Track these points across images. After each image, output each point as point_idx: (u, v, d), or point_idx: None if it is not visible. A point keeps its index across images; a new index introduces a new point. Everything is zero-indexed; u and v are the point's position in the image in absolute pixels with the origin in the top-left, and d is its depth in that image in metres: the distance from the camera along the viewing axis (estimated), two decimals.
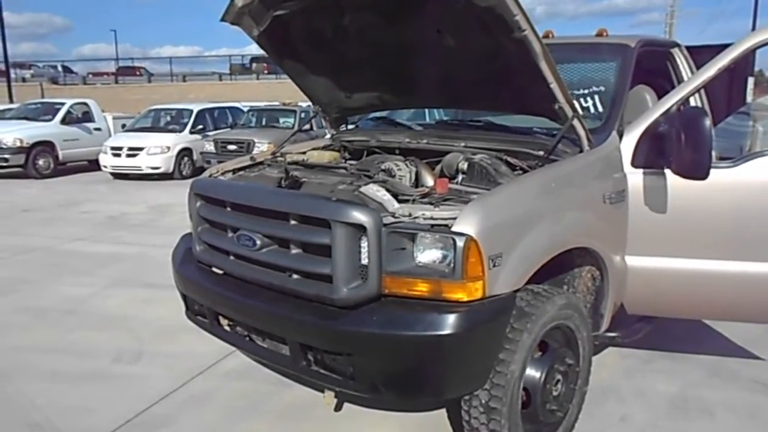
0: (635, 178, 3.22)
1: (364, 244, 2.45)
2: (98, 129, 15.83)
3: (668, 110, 3.19)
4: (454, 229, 2.37)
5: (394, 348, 2.38)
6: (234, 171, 3.57)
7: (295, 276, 2.67)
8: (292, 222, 2.64)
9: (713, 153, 2.95)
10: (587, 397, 3.17)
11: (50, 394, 3.69)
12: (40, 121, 15.10)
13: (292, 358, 2.68)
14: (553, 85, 2.80)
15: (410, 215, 2.48)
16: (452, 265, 2.36)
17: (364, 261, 2.47)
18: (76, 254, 7.24)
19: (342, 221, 2.42)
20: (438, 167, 3.23)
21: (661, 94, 3.69)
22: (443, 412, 3.38)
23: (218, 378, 3.90)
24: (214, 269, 3.10)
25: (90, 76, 34.56)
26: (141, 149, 13.75)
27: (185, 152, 14.15)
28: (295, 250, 2.67)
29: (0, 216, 9.80)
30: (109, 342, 4.52)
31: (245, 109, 16.27)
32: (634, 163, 3.21)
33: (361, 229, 2.43)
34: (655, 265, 3.28)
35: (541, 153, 3.03)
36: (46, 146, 14.59)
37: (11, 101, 23.10)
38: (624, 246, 3.27)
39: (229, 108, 16.63)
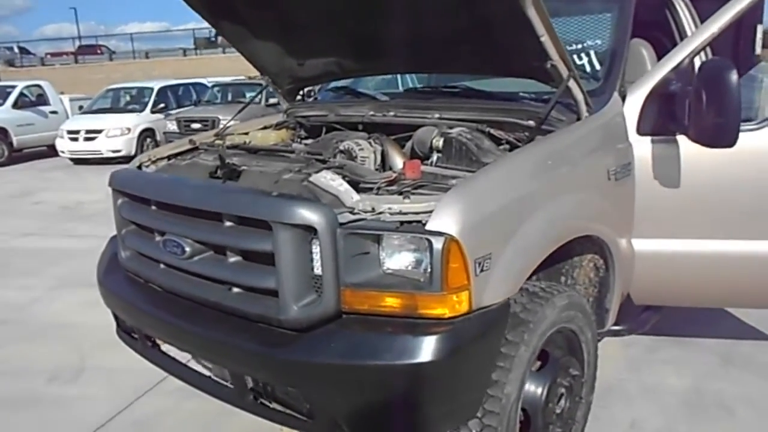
0: (642, 147, 2.71)
1: (315, 249, 1.93)
2: (54, 112, 14.97)
3: (679, 65, 2.67)
4: (429, 226, 1.85)
5: (358, 382, 1.87)
6: (169, 157, 3.00)
7: (235, 290, 2.14)
8: (226, 224, 2.10)
9: None
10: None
11: None
12: None
13: (236, 391, 2.16)
14: (545, 38, 2.26)
15: (373, 210, 1.95)
16: (428, 273, 1.85)
17: (318, 271, 1.94)
18: (22, 251, 6.62)
19: (284, 222, 1.89)
20: (408, 145, 2.69)
21: (658, 49, 3.18)
22: None
23: (167, 397, 3.38)
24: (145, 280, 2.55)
25: (48, 56, 33.05)
26: (99, 132, 12.99)
27: (147, 133, 13.40)
28: (232, 258, 2.14)
29: None
30: (47, 357, 3.96)
31: (210, 85, 15.50)
32: (641, 130, 2.71)
33: (310, 230, 1.90)
34: (667, 249, 2.80)
35: (532, 123, 2.51)
36: None
37: None
38: (631, 228, 2.78)
39: (193, 84, 15.83)
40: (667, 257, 2.82)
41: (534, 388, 2.27)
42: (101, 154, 12.92)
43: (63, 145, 13.22)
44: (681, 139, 2.64)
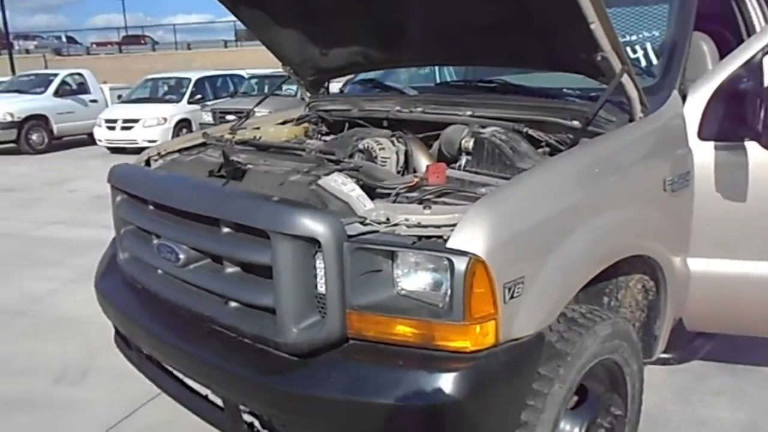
0: (703, 154, 2.37)
1: (319, 264, 1.67)
2: (94, 101, 15.09)
3: (750, 61, 2.32)
4: (451, 243, 1.57)
5: (362, 421, 1.60)
6: (180, 151, 2.79)
7: (232, 304, 1.89)
8: (223, 230, 1.86)
9: None
10: None
11: None
12: (32, 93, 14.38)
13: (229, 419, 1.92)
14: (595, 26, 1.95)
15: (388, 221, 1.68)
16: (449, 298, 1.57)
17: (321, 289, 1.69)
18: (49, 241, 6.55)
19: (284, 232, 1.63)
20: (435, 145, 2.41)
21: (720, 44, 2.83)
22: None
23: (172, 408, 3.17)
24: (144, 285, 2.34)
25: (94, 46, 33.63)
26: (136, 121, 13.02)
27: (183, 123, 13.36)
28: (230, 269, 1.90)
29: None
30: (56, 354, 3.81)
31: (247, 77, 15.41)
32: (703, 135, 2.37)
33: (313, 243, 1.64)
34: (729, 270, 2.46)
35: (576, 123, 2.20)
36: (39, 120, 13.88)
37: (14, 74, 22.42)
38: (687, 246, 2.44)
39: (231, 76, 15.77)
40: (728, 280, 2.47)
41: (569, 429, 1.97)
42: (137, 143, 12.92)
43: (100, 133, 13.30)
44: (750, 145, 2.30)
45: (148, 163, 2.80)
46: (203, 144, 2.78)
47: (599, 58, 2.07)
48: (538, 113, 2.33)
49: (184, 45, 30.81)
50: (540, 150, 2.22)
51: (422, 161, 2.29)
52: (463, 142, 2.14)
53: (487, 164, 2.05)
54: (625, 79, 2.12)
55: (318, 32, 2.88)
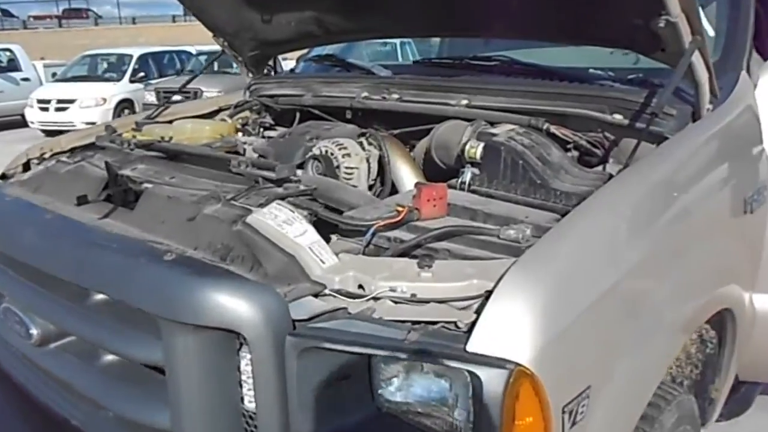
0: None
1: (245, 366, 0.98)
2: (26, 79, 13.82)
3: None
4: (476, 343, 0.89)
5: None
6: (73, 151, 2.04)
7: (110, 413, 1.19)
8: (94, 298, 1.14)
9: None
10: None
11: None
12: None
13: None
14: None
15: (362, 290, 1.00)
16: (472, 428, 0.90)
17: (249, 404, 1.00)
18: None
19: (181, 321, 0.94)
20: (420, 146, 1.74)
21: None
22: None
23: None
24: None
25: (31, 19, 31.49)
26: (72, 102, 11.89)
27: (125, 104, 12.29)
28: (106, 357, 1.18)
29: None
30: None
31: (195, 53, 14.37)
32: None
33: (234, 336, 0.95)
34: None
35: (618, 118, 1.56)
36: None
37: None
38: (754, 279, 1.83)
39: (177, 52, 14.65)
40: None
41: None
42: (74, 126, 11.83)
43: (33, 115, 12.14)
44: None
45: (27, 167, 2.06)
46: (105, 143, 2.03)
47: (662, 24, 1.41)
48: (560, 102, 1.67)
49: (130, 20, 29.08)
50: (569, 155, 1.57)
51: (405, 173, 1.61)
52: (467, 148, 1.44)
53: (504, 182, 1.37)
54: (696, 58, 1.47)
55: None
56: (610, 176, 1.36)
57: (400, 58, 3.83)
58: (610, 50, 1.92)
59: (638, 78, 1.75)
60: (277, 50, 2.56)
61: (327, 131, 1.80)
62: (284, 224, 1.12)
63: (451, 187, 1.41)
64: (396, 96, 1.92)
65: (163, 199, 1.31)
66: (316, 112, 2.15)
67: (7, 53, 14.09)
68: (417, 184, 1.25)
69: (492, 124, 1.65)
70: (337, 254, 1.10)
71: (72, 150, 2.05)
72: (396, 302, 0.99)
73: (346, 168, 1.56)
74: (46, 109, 12.23)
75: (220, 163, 1.43)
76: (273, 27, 2.31)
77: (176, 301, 0.94)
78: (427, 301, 0.98)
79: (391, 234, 1.20)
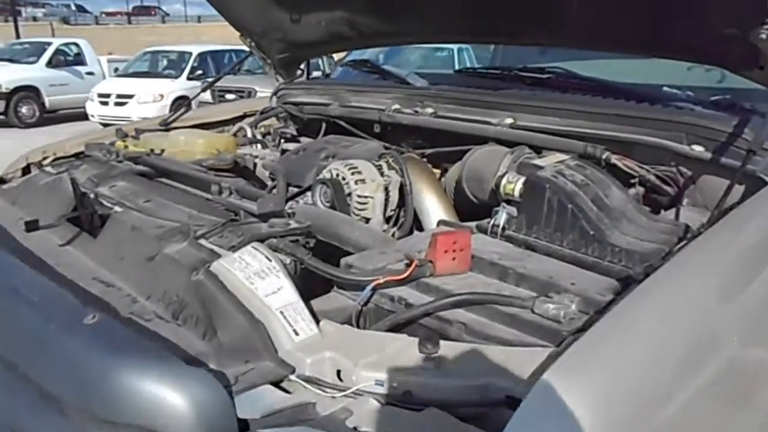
0: None
1: None
2: (90, 73, 14.17)
3: None
4: None
5: None
6: (77, 156, 1.86)
7: None
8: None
9: None
10: None
11: None
12: (24, 63, 13.52)
13: None
14: None
15: (338, 383, 0.74)
16: None
17: None
18: None
19: (89, 412, 0.69)
20: (451, 173, 1.46)
21: None
22: None
23: None
24: None
25: (103, 15, 32.68)
26: (131, 97, 12.11)
27: (182, 101, 12.42)
28: None
29: None
30: None
31: None
32: None
33: None
34: None
35: (698, 150, 1.26)
36: (29, 92, 13.02)
37: None
38: None
39: (236, 51, 14.76)
40: None
41: None
42: (132, 121, 12.06)
43: (93, 108, 12.43)
44: None
45: (27, 171, 1.89)
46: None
47: (764, 35, 1.10)
48: (625, 128, 1.37)
49: (195, 18, 29.76)
50: (631, 191, 1.27)
51: (430, 205, 1.34)
52: (503, 182, 1.16)
53: (547, 229, 1.08)
54: None
55: None
56: (687, 229, 1.05)
57: (456, 66, 3.52)
58: (687, 65, 1.62)
59: (725, 101, 1.44)
60: (307, 53, 2.32)
61: (345, 149, 1.55)
62: (255, 277, 0.87)
63: (480, 229, 1.14)
64: (430, 110, 1.66)
65: (127, 229, 1.08)
66: (343, 124, 1.90)
67: (74, 47, 14.49)
68: (434, 232, 0.98)
69: (539, 150, 1.36)
70: (318, 322, 0.84)
71: (76, 155, 1.87)
72: (382, 403, 0.72)
73: (359, 197, 1.30)
74: (105, 103, 12.51)
75: (204, 186, 1.20)
76: (302, 27, 2.09)
77: (85, 385, 0.71)
78: (422, 406, 0.71)
79: (396, 293, 0.94)
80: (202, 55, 13.76)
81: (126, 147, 1.58)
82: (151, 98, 12.29)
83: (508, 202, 1.14)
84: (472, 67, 2.37)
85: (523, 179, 1.11)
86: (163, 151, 1.50)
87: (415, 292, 0.94)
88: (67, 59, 14.20)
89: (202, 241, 0.97)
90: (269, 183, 1.70)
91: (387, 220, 1.38)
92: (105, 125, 12.55)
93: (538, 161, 1.16)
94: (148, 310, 0.90)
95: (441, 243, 0.95)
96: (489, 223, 1.13)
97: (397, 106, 1.75)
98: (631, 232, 1.04)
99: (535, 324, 0.82)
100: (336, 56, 3.15)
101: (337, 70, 2.67)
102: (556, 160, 1.18)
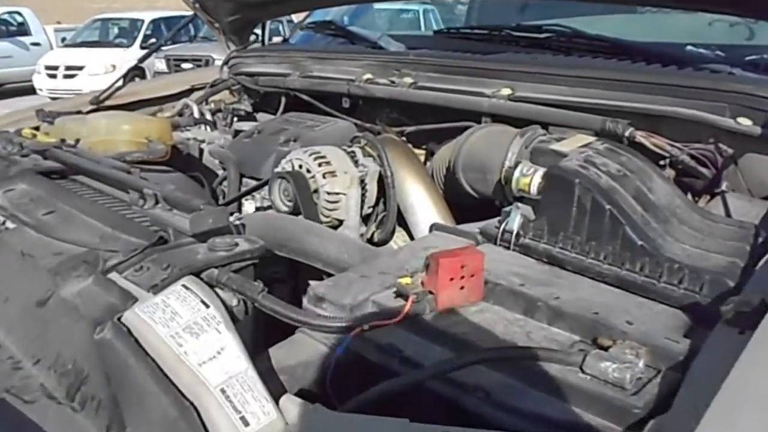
0: None
1: None
2: (36, 44, 13.44)
3: None
4: None
5: None
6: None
7: None
8: None
9: None
10: None
11: None
12: None
13: None
14: None
15: None
16: None
17: None
18: None
19: None
20: (440, 157, 1.20)
21: None
22: None
23: None
24: None
25: None
26: (81, 68, 11.50)
27: (136, 72, 11.79)
28: None
29: None
30: None
31: None
32: None
33: None
34: None
35: (747, 123, 1.02)
36: None
37: None
38: None
39: (193, 17, 14.13)
40: None
41: None
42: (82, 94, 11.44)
43: (40, 82, 11.80)
44: None
45: None
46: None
47: None
48: (651, 96, 1.12)
49: None
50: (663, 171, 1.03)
51: (416, 199, 1.07)
52: (517, 173, 0.89)
53: (577, 237, 0.82)
54: None
55: None
56: (757, 231, 0.81)
57: (422, 29, 3.23)
58: (709, 19, 1.37)
59: (764, 61, 1.20)
60: (261, 13, 2.00)
61: (309, 130, 1.26)
62: (186, 334, 0.60)
63: (486, 236, 0.88)
64: (409, 80, 1.39)
65: (17, 257, 0.79)
66: (305, 97, 1.62)
67: (18, 16, 13.68)
68: (433, 253, 0.71)
69: (545, 127, 1.11)
70: (278, 398, 0.58)
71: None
72: None
73: (329, 194, 1.03)
74: (54, 76, 11.89)
75: (125, 189, 0.91)
76: None
77: None
78: None
79: (386, 338, 0.68)
80: (155, 22, 13.13)
81: (34, 136, 1.27)
82: (102, 69, 11.69)
83: (521, 199, 0.89)
84: (454, 27, 2.07)
85: (541, 171, 0.85)
86: (78, 141, 1.19)
87: (412, 336, 0.68)
88: (9, 29, 13.42)
89: (114, 276, 0.70)
90: (219, 173, 1.42)
91: (365, 219, 1.11)
92: (54, 100, 11.92)
93: (558, 146, 0.90)
94: (33, 384, 0.63)
95: (445, 269, 0.69)
96: (498, 227, 0.87)
97: (369, 76, 1.46)
98: (688, 239, 0.80)
99: (588, 393, 0.57)
100: (296, 18, 2.82)
101: (297, 34, 2.35)
102: (580, 143, 0.92)
